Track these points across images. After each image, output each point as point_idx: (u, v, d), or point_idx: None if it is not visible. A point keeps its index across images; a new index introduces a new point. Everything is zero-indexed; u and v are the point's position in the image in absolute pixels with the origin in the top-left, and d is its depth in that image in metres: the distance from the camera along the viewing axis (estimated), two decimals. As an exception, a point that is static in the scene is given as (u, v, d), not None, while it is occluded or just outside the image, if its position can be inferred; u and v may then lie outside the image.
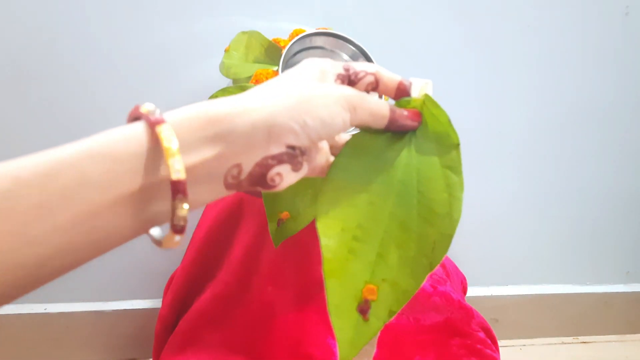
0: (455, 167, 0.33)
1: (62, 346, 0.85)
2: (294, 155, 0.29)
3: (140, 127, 0.25)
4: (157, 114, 0.25)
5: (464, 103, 0.83)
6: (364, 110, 0.31)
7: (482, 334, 0.61)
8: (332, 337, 0.53)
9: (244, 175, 0.27)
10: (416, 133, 0.34)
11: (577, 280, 0.99)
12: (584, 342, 1.01)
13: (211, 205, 0.70)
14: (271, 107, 0.27)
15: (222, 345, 0.57)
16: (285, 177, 0.29)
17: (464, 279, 0.75)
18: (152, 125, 0.24)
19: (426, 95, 0.34)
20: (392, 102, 0.35)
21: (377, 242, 0.33)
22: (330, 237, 0.32)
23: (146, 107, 0.25)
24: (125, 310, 0.84)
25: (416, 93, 0.35)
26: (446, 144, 0.33)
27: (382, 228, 0.33)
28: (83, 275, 0.81)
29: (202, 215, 0.71)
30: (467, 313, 0.61)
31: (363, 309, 0.31)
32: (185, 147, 0.25)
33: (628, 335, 1.03)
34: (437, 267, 0.71)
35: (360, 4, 0.75)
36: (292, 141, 0.28)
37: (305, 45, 0.58)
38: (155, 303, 0.84)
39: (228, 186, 0.27)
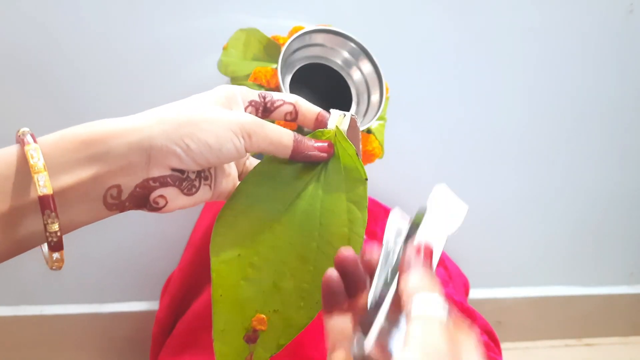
0: (360, 203, 0.32)
1: (59, 348, 0.84)
2: (182, 179, 0.29)
3: (13, 149, 0.25)
4: (27, 137, 0.25)
5: (465, 102, 0.82)
6: (262, 138, 0.30)
7: (485, 337, 0.60)
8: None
9: (125, 196, 0.28)
10: (328, 165, 0.34)
11: (581, 281, 0.98)
12: (588, 345, 1.00)
13: (209, 206, 0.70)
14: (150, 130, 0.27)
15: (220, 348, 0.57)
16: (172, 200, 0.29)
17: (467, 281, 0.75)
18: (22, 146, 0.25)
19: (337, 128, 0.34)
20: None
21: (273, 271, 0.32)
22: (224, 261, 0.32)
23: (21, 130, 0.26)
24: (122, 312, 0.83)
25: (332, 125, 0.34)
26: (354, 179, 0.33)
27: (280, 257, 0.32)
28: (79, 277, 0.81)
29: (200, 216, 0.71)
30: (469, 316, 0.61)
31: (250, 338, 0.31)
32: (59, 168, 0.25)
33: (632, 337, 1.03)
34: (439, 268, 0.70)
35: (360, 0, 0.74)
36: (176, 164, 0.28)
37: (305, 43, 0.57)
38: (152, 305, 0.84)
39: (109, 206, 0.28)
